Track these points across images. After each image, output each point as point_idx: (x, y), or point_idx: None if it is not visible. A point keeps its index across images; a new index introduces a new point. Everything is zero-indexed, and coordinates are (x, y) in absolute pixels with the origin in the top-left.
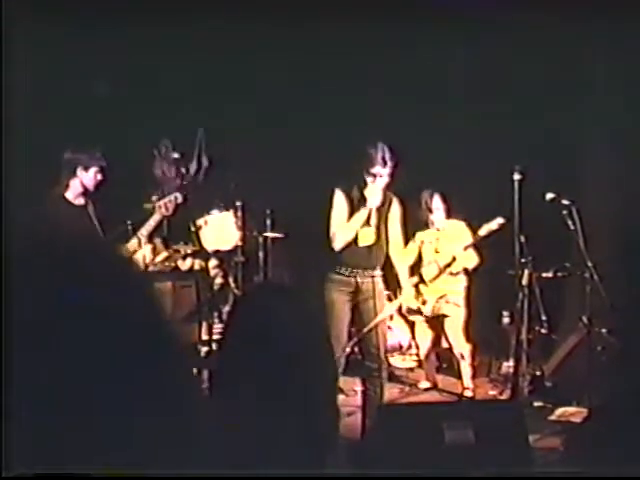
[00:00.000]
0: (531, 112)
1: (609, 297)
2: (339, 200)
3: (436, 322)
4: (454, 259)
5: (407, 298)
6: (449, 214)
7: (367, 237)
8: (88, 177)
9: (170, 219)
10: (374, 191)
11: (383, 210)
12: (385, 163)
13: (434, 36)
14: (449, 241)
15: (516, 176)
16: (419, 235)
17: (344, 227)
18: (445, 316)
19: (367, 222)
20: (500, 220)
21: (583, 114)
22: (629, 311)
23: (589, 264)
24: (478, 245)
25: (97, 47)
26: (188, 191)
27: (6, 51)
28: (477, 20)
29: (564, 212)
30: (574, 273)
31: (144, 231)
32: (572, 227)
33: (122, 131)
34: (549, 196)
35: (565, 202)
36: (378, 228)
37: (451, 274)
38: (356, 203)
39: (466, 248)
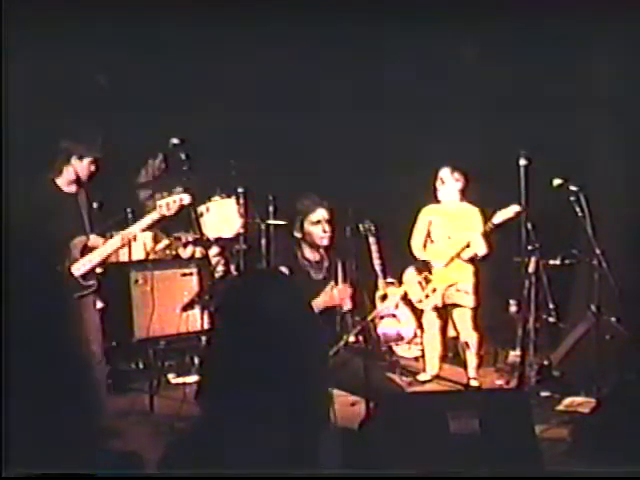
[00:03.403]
0: (538, 96)
1: (618, 285)
2: None
3: (445, 310)
4: (467, 245)
5: (415, 286)
6: (463, 195)
7: None
8: (82, 166)
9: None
10: None
11: None
12: None
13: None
14: (461, 226)
15: (522, 161)
16: (427, 214)
17: None
18: (455, 305)
19: None
20: (516, 208)
21: (591, 98)
22: (638, 299)
23: (597, 251)
24: (490, 233)
25: (97, 46)
26: (194, 192)
27: (5, 47)
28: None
29: (572, 198)
30: (582, 260)
31: (137, 228)
32: (580, 213)
33: (121, 125)
34: (556, 182)
35: (573, 188)
36: None
37: (463, 261)
38: None
39: (480, 235)
